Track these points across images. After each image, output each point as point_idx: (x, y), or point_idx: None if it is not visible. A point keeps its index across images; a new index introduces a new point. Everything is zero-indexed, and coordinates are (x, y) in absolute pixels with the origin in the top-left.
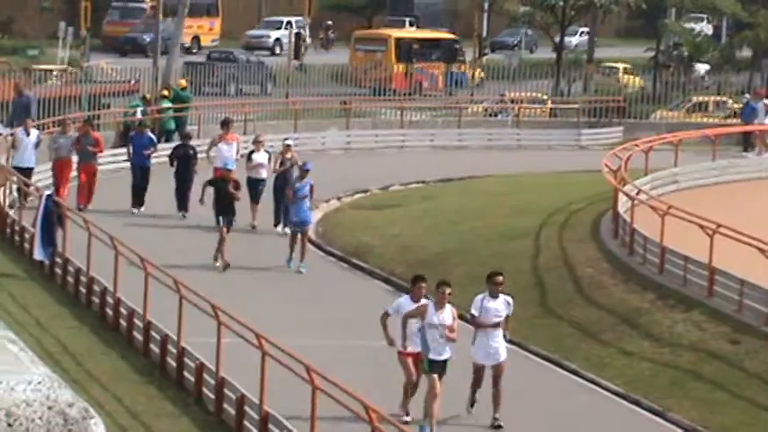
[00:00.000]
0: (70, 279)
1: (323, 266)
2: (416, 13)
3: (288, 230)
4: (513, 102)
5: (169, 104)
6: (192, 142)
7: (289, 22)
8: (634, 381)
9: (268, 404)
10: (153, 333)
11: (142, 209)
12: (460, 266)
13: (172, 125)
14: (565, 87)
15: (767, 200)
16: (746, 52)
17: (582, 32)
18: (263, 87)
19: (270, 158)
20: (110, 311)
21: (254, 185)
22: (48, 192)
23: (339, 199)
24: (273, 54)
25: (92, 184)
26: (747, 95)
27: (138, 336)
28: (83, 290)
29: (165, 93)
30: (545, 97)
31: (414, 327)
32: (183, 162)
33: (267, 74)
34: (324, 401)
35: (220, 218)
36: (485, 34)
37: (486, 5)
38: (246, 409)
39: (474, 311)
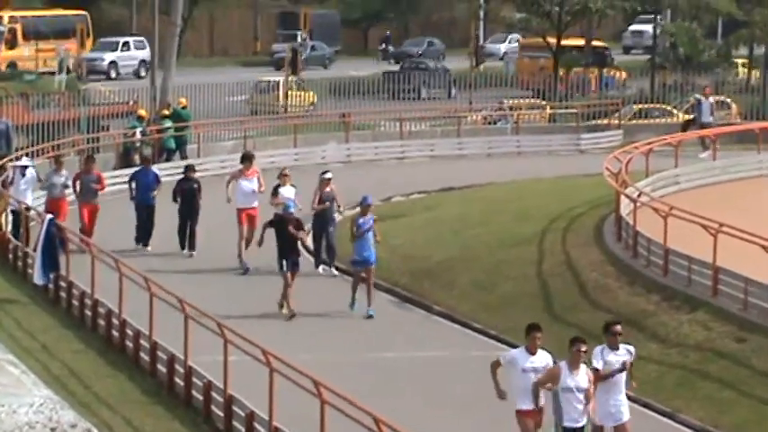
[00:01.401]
0: (75, 302)
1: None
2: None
3: (332, 270)
4: (511, 109)
5: (169, 123)
6: (194, 161)
7: (126, 43)
8: (642, 383)
9: (277, 419)
10: (159, 353)
11: (149, 248)
12: (464, 274)
13: (172, 144)
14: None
15: None
16: (742, 51)
17: (510, 39)
18: (449, 91)
19: (296, 193)
20: (116, 333)
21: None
22: (50, 216)
23: (340, 212)
24: (109, 78)
25: (93, 224)
26: (698, 95)
27: (145, 356)
28: (88, 312)
29: (166, 112)
30: (543, 103)
31: (527, 381)
32: (188, 197)
33: (451, 79)
34: (333, 415)
35: (284, 261)
36: (481, 41)
37: (482, 13)
38: (256, 425)
39: (596, 364)
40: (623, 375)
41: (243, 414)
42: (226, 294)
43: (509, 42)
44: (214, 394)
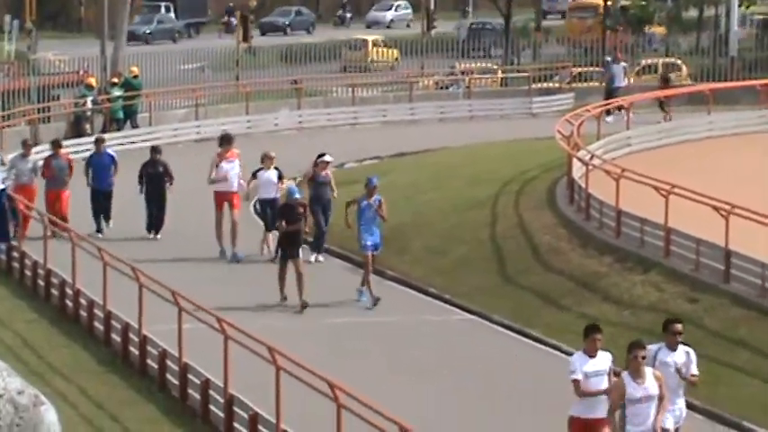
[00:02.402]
0: (28, 272)
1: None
2: None
3: (318, 258)
4: (463, 73)
5: (119, 92)
6: (145, 130)
7: None
8: None
9: (233, 387)
10: (114, 322)
11: (101, 235)
12: (417, 239)
13: (120, 114)
14: (514, 56)
15: (719, 159)
16: (693, 13)
17: (397, 6)
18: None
19: (280, 176)
20: (69, 303)
21: (267, 206)
22: (1, 186)
23: (294, 179)
24: None
25: (66, 210)
26: (608, 58)
27: (99, 326)
28: (41, 282)
29: (115, 80)
30: (495, 67)
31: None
32: (155, 182)
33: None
34: (288, 381)
35: (280, 251)
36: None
37: None
38: (211, 393)
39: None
40: (676, 380)
41: (198, 382)
42: (182, 264)
43: (395, 10)
44: (169, 363)
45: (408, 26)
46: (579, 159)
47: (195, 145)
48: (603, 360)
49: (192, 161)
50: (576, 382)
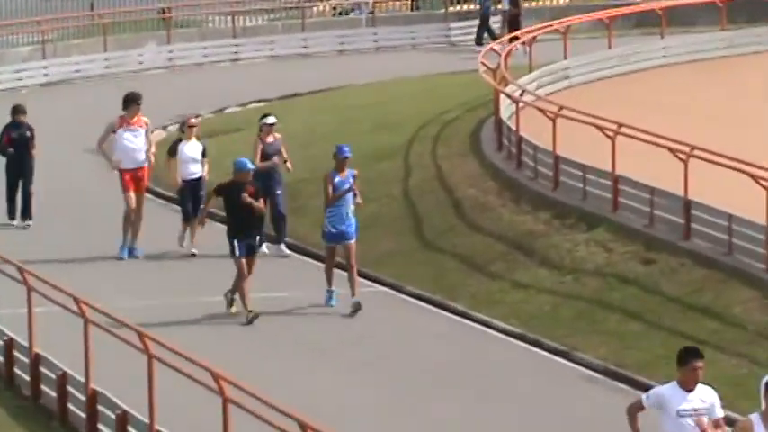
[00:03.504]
0: None
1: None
2: None
3: (281, 248)
4: None
5: None
6: None
7: None
8: (532, 318)
9: (95, 381)
10: None
11: None
12: (316, 198)
13: None
14: None
15: (675, 90)
16: None
17: None
18: None
19: (205, 151)
20: None
21: (191, 191)
22: None
23: (165, 128)
24: None
25: None
26: None
27: None
28: None
29: None
30: None
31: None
32: (18, 149)
33: None
34: (162, 370)
35: (236, 242)
36: None
37: None
38: (69, 388)
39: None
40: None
41: (53, 376)
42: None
43: None
44: (17, 354)
45: None
46: (508, 96)
47: (42, 90)
48: (705, 395)
49: (43, 111)
50: (637, 405)
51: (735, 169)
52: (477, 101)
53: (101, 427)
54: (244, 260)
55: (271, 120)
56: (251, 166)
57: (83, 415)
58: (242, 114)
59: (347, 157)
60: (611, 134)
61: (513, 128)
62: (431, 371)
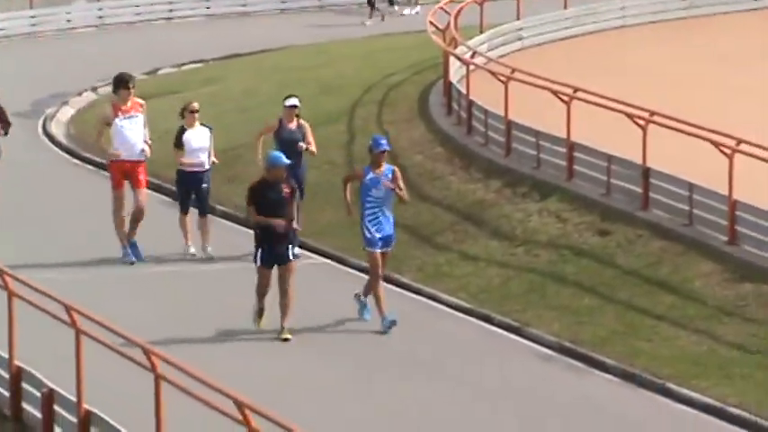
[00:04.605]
0: None
1: (79, 175)
2: None
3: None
4: None
5: None
6: None
7: None
8: (482, 292)
9: (19, 358)
10: None
11: None
12: (253, 165)
13: None
14: None
15: (634, 54)
16: None
17: None
18: None
19: (211, 138)
20: None
21: (193, 183)
22: None
23: (95, 90)
24: None
25: None
26: None
27: None
28: None
29: None
30: None
31: None
32: None
33: None
34: (91, 346)
35: (260, 251)
36: None
37: None
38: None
39: None
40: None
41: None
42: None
43: None
44: None
45: None
46: (458, 58)
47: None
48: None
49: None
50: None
51: (696, 136)
52: (425, 63)
53: (25, 406)
54: (266, 270)
55: (292, 101)
56: (285, 161)
57: (6, 394)
58: (177, 75)
59: (384, 151)
60: (566, 99)
61: (464, 91)
62: (375, 347)
